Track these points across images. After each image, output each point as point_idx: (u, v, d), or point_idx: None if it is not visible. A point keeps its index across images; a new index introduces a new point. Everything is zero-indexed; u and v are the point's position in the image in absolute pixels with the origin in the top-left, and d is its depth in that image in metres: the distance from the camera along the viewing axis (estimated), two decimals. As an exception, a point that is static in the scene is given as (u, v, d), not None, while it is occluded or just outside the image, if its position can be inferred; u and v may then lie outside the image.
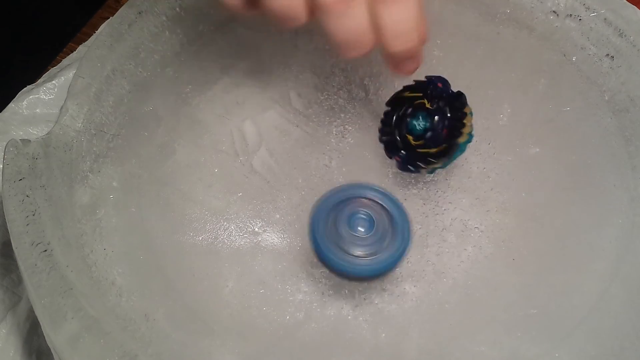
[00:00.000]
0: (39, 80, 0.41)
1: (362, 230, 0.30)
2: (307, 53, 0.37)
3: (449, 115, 0.30)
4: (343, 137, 0.36)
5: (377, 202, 0.31)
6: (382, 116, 0.32)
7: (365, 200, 0.31)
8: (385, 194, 0.31)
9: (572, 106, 0.35)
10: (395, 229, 0.30)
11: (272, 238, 0.32)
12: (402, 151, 0.31)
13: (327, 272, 0.31)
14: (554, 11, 0.35)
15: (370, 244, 0.30)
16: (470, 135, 0.31)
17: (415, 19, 0.25)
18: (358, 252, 0.29)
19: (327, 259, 0.30)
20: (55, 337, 0.25)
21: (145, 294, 0.29)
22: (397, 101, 0.32)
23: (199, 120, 0.35)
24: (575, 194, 0.33)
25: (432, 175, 0.33)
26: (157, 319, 0.28)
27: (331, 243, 0.30)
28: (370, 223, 0.30)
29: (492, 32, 0.36)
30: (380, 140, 0.32)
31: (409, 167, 0.32)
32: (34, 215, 0.27)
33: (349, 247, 0.29)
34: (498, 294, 0.31)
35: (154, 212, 0.32)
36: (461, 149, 0.31)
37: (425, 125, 0.31)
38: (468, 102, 0.32)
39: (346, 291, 0.31)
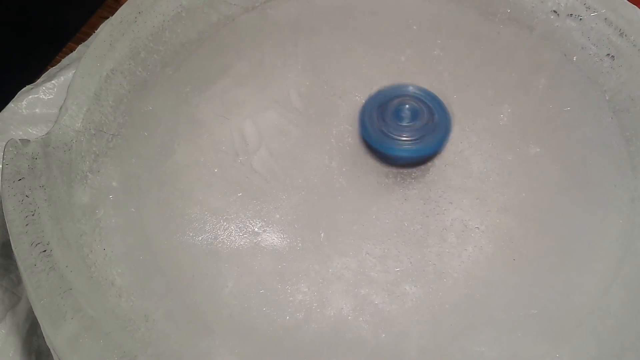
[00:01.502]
0: (39, 80, 0.41)
1: (407, 119, 0.34)
2: (307, 53, 0.37)
3: None
4: (343, 137, 0.36)
5: (420, 99, 0.34)
6: None
7: (409, 97, 0.35)
8: (426, 92, 0.35)
9: (572, 106, 0.35)
10: (436, 119, 0.34)
11: (272, 238, 0.32)
12: None
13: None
14: (554, 11, 0.35)
15: (415, 131, 0.33)
16: None
17: None
18: (404, 137, 0.33)
19: (378, 145, 0.34)
20: (54, 337, 0.25)
21: (145, 294, 0.29)
22: None
23: (199, 120, 0.35)
24: (576, 194, 0.33)
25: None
26: (157, 320, 0.28)
27: (379, 132, 0.33)
28: (414, 114, 0.34)
29: (492, 32, 0.36)
30: None
31: None
32: (33, 215, 0.27)
33: (395, 134, 0.33)
34: (498, 294, 0.31)
35: (154, 212, 0.32)
36: None
37: None
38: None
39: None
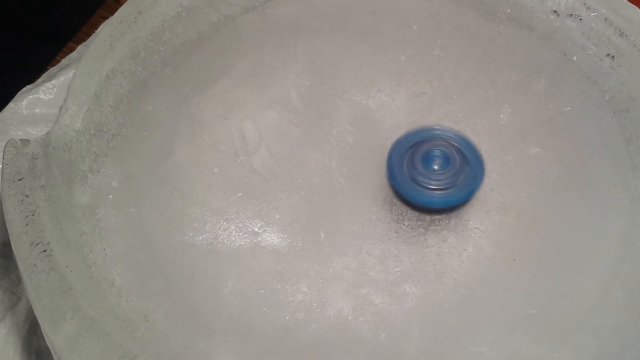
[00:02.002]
0: (39, 80, 0.41)
1: (437, 167, 0.33)
2: (307, 53, 0.37)
3: None
4: (343, 137, 0.36)
5: (450, 142, 0.33)
6: None
7: (439, 141, 0.33)
8: (457, 135, 0.34)
9: (572, 106, 0.35)
10: (468, 165, 0.33)
11: (272, 238, 0.32)
12: None
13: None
14: (554, 11, 0.35)
15: (445, 179, 0.32)
16: None
17: None
18: (434, 185, 0.32)
19: (406, 194, 0.32)
20: (54, 337, 0.25)
21: (145, 294, 0.29)
22: None
23: (199, 120, 0.35)
24: (576, 194, 0.33)
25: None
26: (157, 320, 0.28)
27: (408, 179, 0.32)
28: (445, 160, 0.33)
29: (492, 32, 0.36)
30: None
31: None
32: (33, 215, 0.27)
33: (425, 182, 0.32)
34: (498, 294, 0.31)
35: (154, 212, 0.32)
36: None
37: None
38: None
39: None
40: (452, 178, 0.32)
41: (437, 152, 0.33)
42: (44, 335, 0.26)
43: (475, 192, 0.33)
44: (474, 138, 0.35)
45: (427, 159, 0.33)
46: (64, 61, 0.43)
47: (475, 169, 0.33)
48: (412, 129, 0.35)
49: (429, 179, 0.32)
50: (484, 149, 0.35)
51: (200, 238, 0.32)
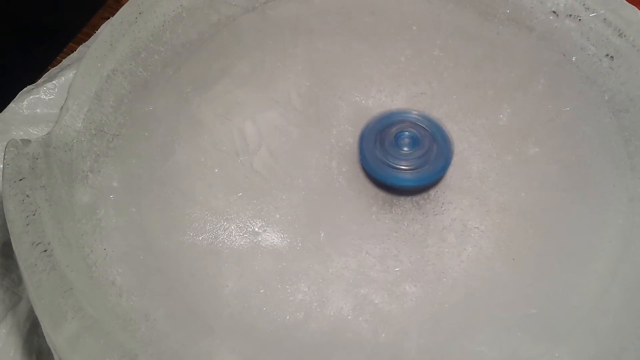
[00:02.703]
0: (39, 81, 0.41)
1: (407, 147, 0.34)
2: (307, 53, 0.37)
3: None
4: (343, 137, 0.36)
5: (419, 124, 0.34)
6: None
7: (409, 123, 0.34)
8: (425, 117, 0.34)
9: (571, 106, 0.35)
10: (437, 146, 0.34)
11: (272, 238, 0.32)
12: None
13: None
14: (553, 11, 0.35)
15: (415, 159, 0.33)
16: None
17: None
18: (403, 166, 0.33)
19: (376, 174, 0.33)
20: (55, 337, 0.25)
21: (146, 294, 0.29)
22: None
23: (199, 120, 0.35)
24: (575, 194, 0.33)
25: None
26: (157, 319, 0.28)
27: (379, 160, 0.33)
28: (415, 141, 0.34)
29: (492, 32, 0.36)
30: None
31: None
32: (34, 215, 0.27)
33: (395, 162, 0.33)
34: (498, 293, 0.31)
35: (154, 212, 0.32)
36: None
37: None
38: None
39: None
40: (422, 157, 0.33)
41: (405, 134, 0.34)
42: (44, 334, 0.26)
43: (446, 170, 0.34)
44: (472, 138, 0.35)
45: (397, 142, 0.34)
46: (65, 61, 0.43)
47: (444, 148, 0.34)
48: (380, 113, 0.35)
49: (399, 160, 0.33)
50: (484, 148, 0.35)
51: (200, 238, 0.32)
